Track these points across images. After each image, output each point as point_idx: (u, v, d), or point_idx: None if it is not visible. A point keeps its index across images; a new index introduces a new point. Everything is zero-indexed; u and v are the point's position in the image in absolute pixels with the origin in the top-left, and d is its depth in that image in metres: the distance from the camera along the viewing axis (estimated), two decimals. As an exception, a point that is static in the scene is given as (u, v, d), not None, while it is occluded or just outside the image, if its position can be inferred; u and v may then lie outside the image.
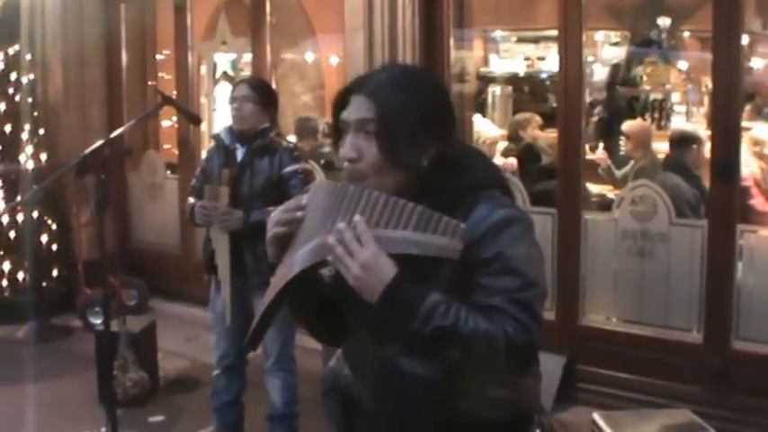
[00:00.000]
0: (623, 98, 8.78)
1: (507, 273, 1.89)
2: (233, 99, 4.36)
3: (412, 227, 1.86)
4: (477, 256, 1.89)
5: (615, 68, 9.06)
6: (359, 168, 1.96)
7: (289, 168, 4.28)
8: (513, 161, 7.28)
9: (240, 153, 4.33)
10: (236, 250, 4.26)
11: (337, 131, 2.05)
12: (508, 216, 1.94)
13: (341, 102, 2.04)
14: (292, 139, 7.81)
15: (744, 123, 5.12)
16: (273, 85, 6.36)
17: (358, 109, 1.97)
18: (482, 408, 1.97)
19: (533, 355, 1.95)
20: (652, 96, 8.77)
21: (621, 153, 7.59)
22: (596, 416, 4.17)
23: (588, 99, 7.50)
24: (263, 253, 3.85)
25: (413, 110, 1.95)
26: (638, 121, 7.79)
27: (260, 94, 4.38)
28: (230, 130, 4.38)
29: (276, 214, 2.04)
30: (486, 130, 7.84)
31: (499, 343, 1.84)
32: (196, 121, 4.37)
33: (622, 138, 7.40)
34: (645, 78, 8.85)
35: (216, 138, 4.46)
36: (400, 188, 1.94)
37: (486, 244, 1.90)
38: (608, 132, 8.34)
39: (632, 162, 6.79)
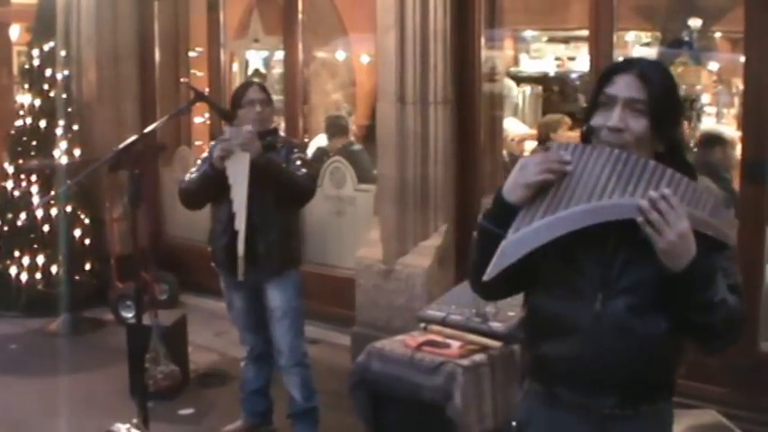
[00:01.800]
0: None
1: (734, 258, 2.29)
2: (251, 102, 4.42)
3: (708, 212, 2.15)
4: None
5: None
6: (624, 138, 2.20)
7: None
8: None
9: None
10: (249, 242, 4.30)
11: (595, 104, 2.27)
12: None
13: (606, 77, 2.27)
14: (323, 136, 7.88)
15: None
16: (303, 84, 6.45)
17: (629, 88, 2.21)
18: (676, 361, 2.38)
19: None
20: (683, 97, 8.72)
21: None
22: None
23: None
24: (274, 241, 3.92)
25: (674, 97, 2.30)
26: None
27: (269, 96, 4.56)
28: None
29: (540, 162, 2.17)
30: (514, 127, 7.84)
31: (740, 317, 2.21)
32: (228, 117, 4.42)
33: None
34: (675, 79, 8.80)
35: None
36: None
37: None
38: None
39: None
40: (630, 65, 2.27)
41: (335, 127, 7.62)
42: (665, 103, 2.23)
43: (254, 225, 4.31)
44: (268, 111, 4.48)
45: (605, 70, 2.30)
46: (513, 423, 2.45)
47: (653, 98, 2.20)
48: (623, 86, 2.22)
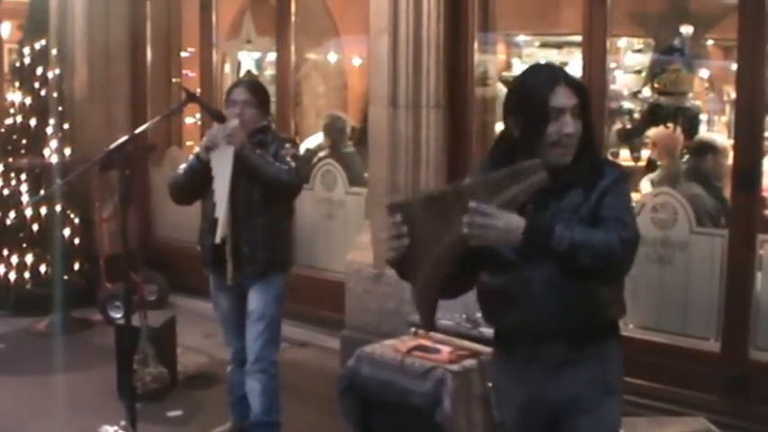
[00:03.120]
0: (645, 106, 8.75)
1: (616, 200, 2.65)
2: (233, 103, 4.39)
3: (514, 184, 2.46)
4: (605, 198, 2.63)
5: (637, 75, 9.04)
6: (574, 140, 2.66)
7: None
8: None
9: None
10: (233, 242, 4.30)
11: (541, 118, 2.62)
12: (622, 175, 2.75)
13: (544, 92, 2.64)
14: (319, 136, 7.86)
15: (767, 133, 5.10)
16: (295, 85, 6.42)
17: (569, 98, 2.63)
18: (605, 307, 2.73)
19: (636, 251, 2.63)
20: (675, 104, 8.74)
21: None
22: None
23: (610, 106, 7.49)
24: (258, 242, 4.21)
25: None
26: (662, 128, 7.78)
27: (258, 97, 4.45)
28: None
29: (387, 244, 2.63)
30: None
31: (614, 242, 2.51)
32: (220, 118, 4.39)
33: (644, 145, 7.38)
34: (667, 86, 8.81)
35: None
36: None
37: (609, 191, 2.64)
38: (630, 139, 8.32)
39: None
40: (557, 76, 2.68)
41: (334, 127, 7.55)
42: (588, 102, 2.70)
43: (238, 225, 4.30)
44: (250, 112, 4.36)
45: (541, 87, 2.65)
46: (490, 384, 2.99)
47: (584, 102, 2.67)
48: (564, 97, 2.63)
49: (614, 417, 2.84)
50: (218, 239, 4.28)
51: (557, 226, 2.50)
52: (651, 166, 7.03)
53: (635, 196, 6.52)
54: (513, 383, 2.83)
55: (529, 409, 2.79)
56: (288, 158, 4.33)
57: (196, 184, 4.36)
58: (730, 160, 5.13)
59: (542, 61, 10.13)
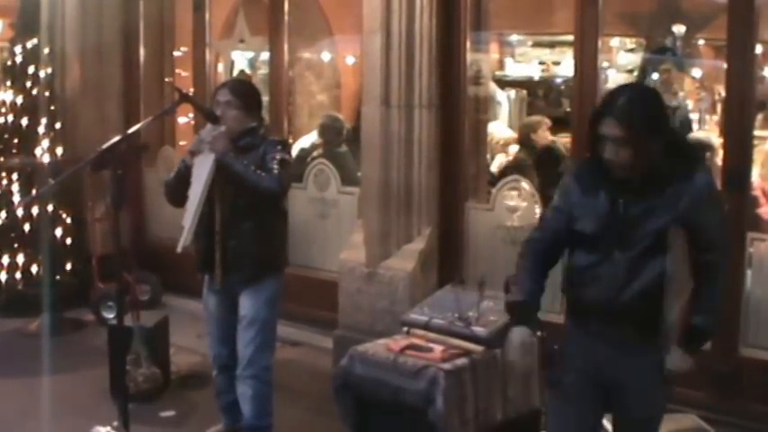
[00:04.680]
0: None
1: (710, 215, 3.08)
2: (216, 104, 4.36)
3: None
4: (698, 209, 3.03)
5: (629, 75, 9.07)
6: (621, 162, 2.96)
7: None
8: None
9: None
10: (223, 251, 4.31)
11: (593, 141, 3.04)
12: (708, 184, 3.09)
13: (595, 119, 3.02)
14: (312, 135, 7.84)
15: (756, 132, 5.13)
16: (288, 85, 6.39)
17: (612, 129, 2.94)
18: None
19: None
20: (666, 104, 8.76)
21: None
22: (603, 420, 4.18)
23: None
24: (245, 247, 4.28)
25: (650, 125, 2.96)
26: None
27: (242, 98, 4.37)
28: None
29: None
30: (499, 130, 7.85)
31: (721, 287, 3.18)
32: (213, 118, 4.38)
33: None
34: (659, 85, 8.85)
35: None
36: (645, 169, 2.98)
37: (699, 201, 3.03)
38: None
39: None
40: (611, 108, 2.97)
41: (330, 128, 7.51)
42: (642, 133, 2.93)
43: (225, 230, 4.30)
44: (232, 113, 4.31)
45: (593, 114, 3.04)
46: (555, 346, 3.17)
47: (631, 135, 2.92)
48: (608, 127, 2.95)
49: (660, 406, 3.24)
50: (179, 248, 4.27)
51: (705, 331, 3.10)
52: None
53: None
54: (579, 351, 3.15)
55: (586, 377, 3.13)
56: (274, 164, 4.26)
57: (182, 188, 4.35)
58: (721, 159, 5.14)
59: (534, 60, 10.25)
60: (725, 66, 4.85)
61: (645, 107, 2.99)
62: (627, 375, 3.09)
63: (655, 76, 8.93)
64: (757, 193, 5.46)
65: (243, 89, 4.49)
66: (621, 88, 3.14)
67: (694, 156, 3.20)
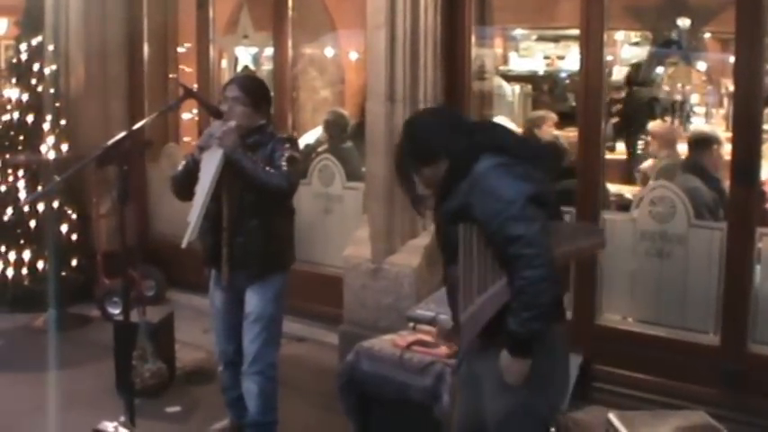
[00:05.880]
0: (643, 98, 8.76)
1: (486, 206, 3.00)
2: (225, 99, 4.33)
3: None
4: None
5: (635, 68, 9.04)
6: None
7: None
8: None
9: None
10: (230, 248, 4.30)
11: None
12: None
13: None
14: (317, 131, 7.82)
15: (765, 126, 5.10)
16: (292, 80, 6.36)
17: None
18: None
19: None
20: (672, 97, 8.75)
21: (640, 153, 7.58)
22: (611, 416, 4.17)
23: (607, 99, 7.50)
24: (252, 244, 4.30)
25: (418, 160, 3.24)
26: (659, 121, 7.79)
27: (250, 95, 4.33)
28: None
29: None
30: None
31: (537, 278, 2.89)
32: (218, 114, 4.36)
33: (643, 138, 7.38)
34: (665, 79, 8.83)
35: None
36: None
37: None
38: (627, 133, 8.32)
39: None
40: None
41: (335, 124, 7.50)
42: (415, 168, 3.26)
43: (232, 227, 4.28)
44: (240, 110, 4.27)
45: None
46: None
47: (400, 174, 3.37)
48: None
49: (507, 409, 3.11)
50: (184, 244, 4.25)
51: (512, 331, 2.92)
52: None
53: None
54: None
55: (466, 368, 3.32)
56: (282, 161, 4.24)
57: (189, 183, 4.33)
58: (728, 153, 5.12)
59: (539, 55, 10.24)
60: (731, 59, 4.81)
61: (409, 147, 3.23)
62: (484, 374, 3.14)
63: (660, 69, 8.92)
64: (766, 188, 5.42)
65: (252, 86, 4.44)
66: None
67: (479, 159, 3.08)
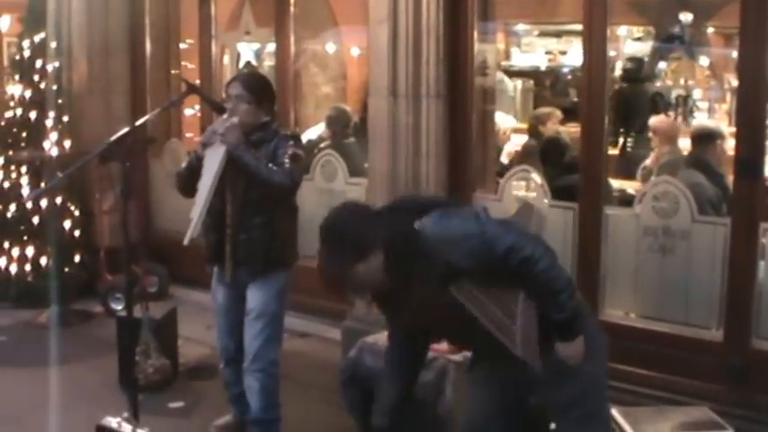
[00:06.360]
0: (646, 94, 8.75)
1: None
2: (228, 97, 4.31)
3: None
4: None
5: (638, 64, 9.03)
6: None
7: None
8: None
9: None
10: (233, 244, 4.30)
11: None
12: None
13: None
14: (320, 126, 7.82)
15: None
16: (294, 76, 6.34)
17: None
18: None
19: None
20: (675, 92, 8.74)
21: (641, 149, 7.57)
22: (614, 411, 4.16)
23: (609, 94, 7.49)
24: (255, 241, 4.31)
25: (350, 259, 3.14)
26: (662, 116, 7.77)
27: (254, 93, 4.31)
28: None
29: None
30: (502, 120, 7.82)
31: None
32: (221, 109, 4.36)
33: (645, 133, 7.37)
34: (668, 74, 8.82)
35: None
36: None
37: None
38: (630, 128, 8.31)
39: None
40: None
41: (337, 120, 7.49)
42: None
43: (234, 224, 4.28)
44: (243, 107, 4.25)
45: None
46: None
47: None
48: None
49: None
50: (186, 241, 4.23)
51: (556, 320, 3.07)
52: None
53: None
54: None
55: None
56: (285, 158, 4.23)
57: (195, 179, 4.31)
58: (731, 148, 5.11)
59: (541, 50, 10.24)
60: (735, 54, 4.80)
61: (338, 248, 3.14)
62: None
63: (663, 64, 8.90)
64: (768, 183, 5.41)
65: (255, 83, 4.43)
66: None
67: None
